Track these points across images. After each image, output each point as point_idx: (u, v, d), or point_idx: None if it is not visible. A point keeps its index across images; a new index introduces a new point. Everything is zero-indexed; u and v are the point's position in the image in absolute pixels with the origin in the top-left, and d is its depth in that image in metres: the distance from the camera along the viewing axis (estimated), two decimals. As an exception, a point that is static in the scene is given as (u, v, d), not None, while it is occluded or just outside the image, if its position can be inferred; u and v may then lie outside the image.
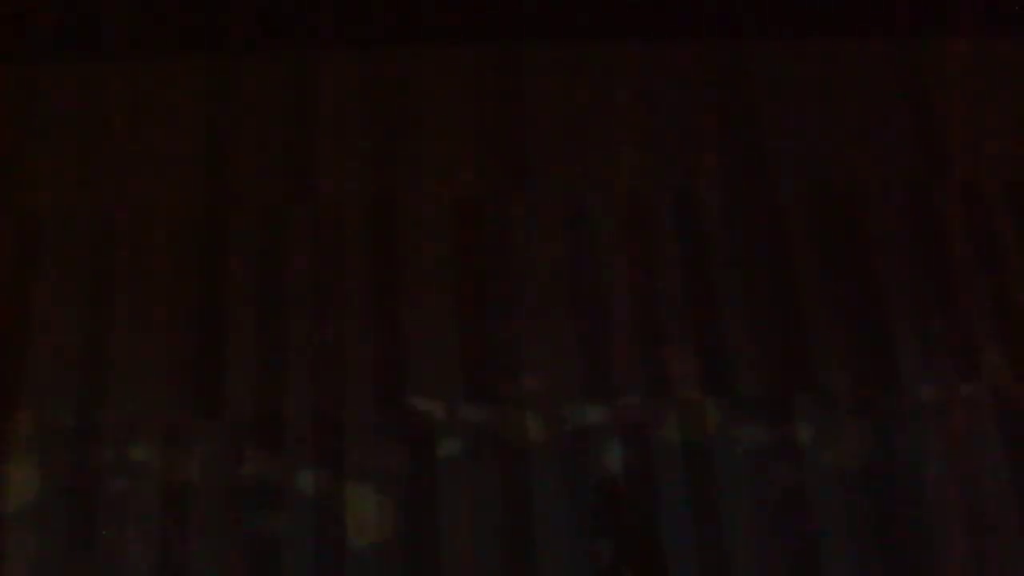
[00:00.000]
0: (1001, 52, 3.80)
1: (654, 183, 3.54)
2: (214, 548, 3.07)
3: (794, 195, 3.55)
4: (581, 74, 3.69)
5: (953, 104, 3.72)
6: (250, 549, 3.07)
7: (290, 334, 3.30)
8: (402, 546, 3.08)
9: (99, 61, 3.64)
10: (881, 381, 3.32)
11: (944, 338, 3.39)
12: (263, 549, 3.07)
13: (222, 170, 3.51)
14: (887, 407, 3.29)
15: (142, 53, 3.66)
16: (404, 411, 3.23)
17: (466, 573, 3.06)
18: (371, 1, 3.74)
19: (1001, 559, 3.14)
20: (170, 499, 3.11)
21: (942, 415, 3.29)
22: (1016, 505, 3.20)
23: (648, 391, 3.27)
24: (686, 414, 3.25)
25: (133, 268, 3.38)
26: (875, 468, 3.22)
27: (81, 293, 3.34)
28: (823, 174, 3.59)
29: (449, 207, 3.49)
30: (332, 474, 3.15)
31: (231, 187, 3.49)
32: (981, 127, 3.68)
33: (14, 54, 3.65)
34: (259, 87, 3.63)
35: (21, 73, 3.63)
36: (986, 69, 3.78)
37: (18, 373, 3.24)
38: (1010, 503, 3.20)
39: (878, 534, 3.15)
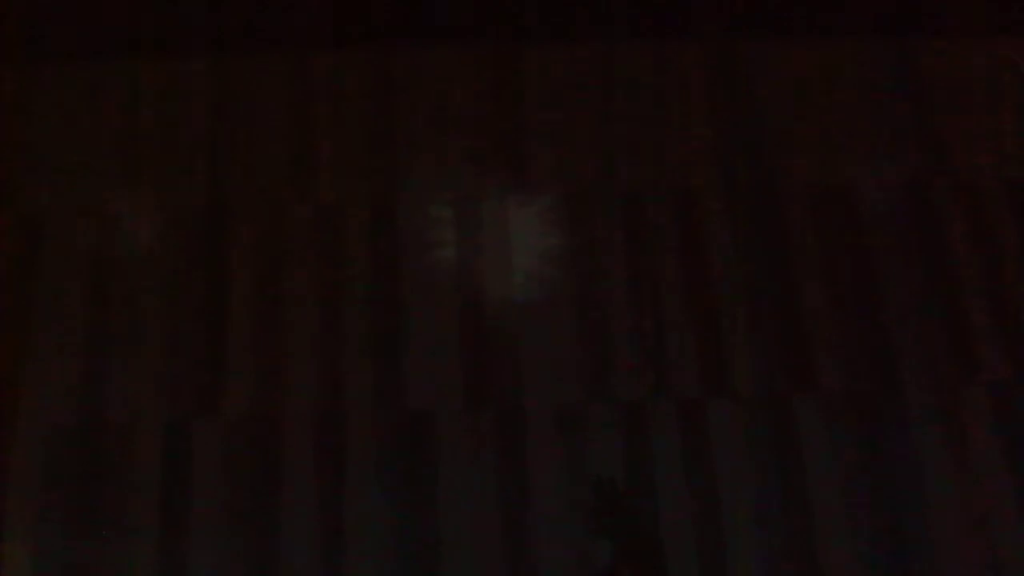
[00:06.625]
0: (1001, 52, 3.80)
1: (654, 183, 3.55)
2: (215, 548, 3.07)
3: (794, 195, 3.55)
4: (581, 74, 3.69)
5: (953, 104, 3.72)
6: (250, 549, 3.07)
7: (290, 334, 3.31)
8: (402, 544, 3.09)
9: (99, 61, 3.64)
10: (881, 381, 3.32)
11: (944, 338, 3.39)
12: (263, 549, 3.08)
13: (222, 170, 3.51)
14: (887, 407, 3.29)
15: (142, 53, 3.66)
16: (404, 411, 3.23)
17: (465, 572, 3.07)
18: (370, 1, 3.75)
19: (1001, 559, 3.14)
20: (171, 499, 3.12)
21: (942, 416, 3.29)
22: (1016, 505, 3.20)
23: (648, 391, 3.28)
24: (686, 414, 3.26)
25: (133, 268, 3.38)
26: (875, 468, 3.22)
27: (81, 293, 3.34)
28: (823, 174, 3.59)
29: (449, 207, 3.49)
30: (332, 473, 3.15)
31: (231, 187, 3.49)
32: (981, 127, 3.68)
33: (14, 54, 3.65)
34: (259, 87, 3.63)
35: (21, 73, 3.63)
36: (986, 69, 3.78)
37: (18, 373, 3.24)
38: (1010, 503, 3.20)
39: (878, 534, 3.15)
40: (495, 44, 3.73)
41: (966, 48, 3.81)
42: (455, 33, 3.74)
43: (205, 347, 3.29)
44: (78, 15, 3.69)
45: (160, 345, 3.29)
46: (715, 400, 3.28)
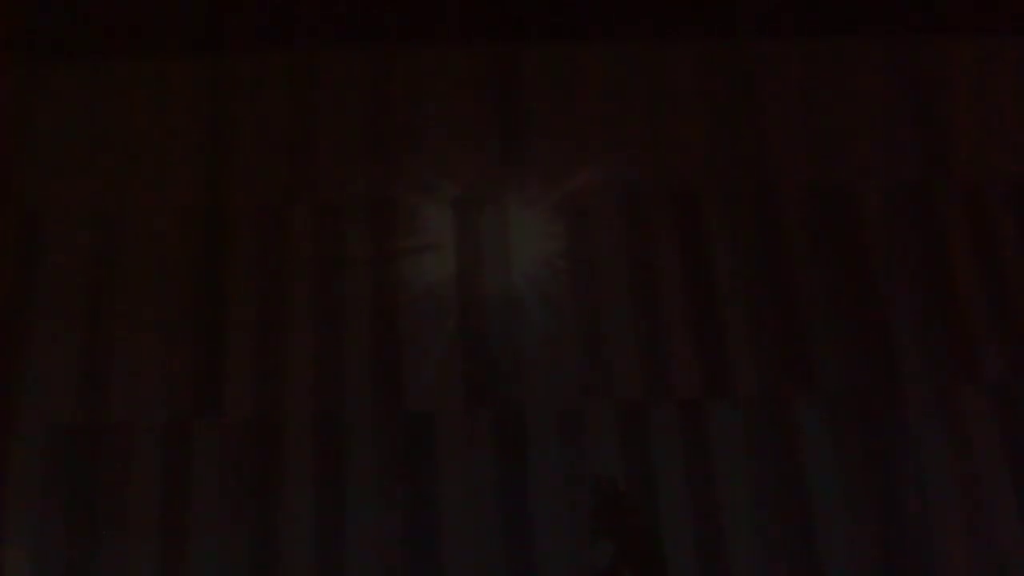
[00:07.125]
0: (1001, 52, 3.80)
1: (654, 183, 3.55)
2: (214, 548, 3.07)
3: (794, 195, 3.55)
4: (581, 74, 3.69)
5: (953, 104, 3.72)
6: (250, 549, 3.07)
7: (290, 334, 3.30)
8: (403, 546, 3.09)
9: (99, 61, 3.64)
10: (881, 381, 3.32)
11: (944, 338, 3.39)
12: (263, 549, 3.07)
13: (222, 170, 3.51)
14: (887, 407, 3.29)
15: (143, 53, 3.66)
16: (404, 410, 3.23)
17: (466, 572, 3.06)
18: (371, 2, 3.74)
19: (1000, 557, 3.14)
20: (170, 499, 3.11)
21: (942, 416, 3.29)
22: (1016, 504, 3.20)
23: (648, 391, 3.27)
24: (686, 414, 3.25)
25: (133, 268, 3.38)
26: (875, 468, 3.22)
27: (81, 293, 3.34)
28: (824, 174, 3.59)
29: (449, 207, 3.49)
30: (332, 473, 3.15)
31: (231, 187, 3.49)
32: (981, 127, 3.68)
33: (14, 54, 3.65)
34: (259, 87, 3.63)
35: (21, 73, 3.63)
36: (986, 69, 3.78)
37: (18, 373, 3.24)
38: (1010, 503, 3.20)
39: (879, 534, 3.15)
40: (495, 44, 3.73)
41: (966, 49, 3.81)
42: (455, 33, 3.74)
43: (205, 348, 3.29)
44: (78, 15, 3.69)
45: (160, 346, 3.29)
46: (715, 401, 3.28)
